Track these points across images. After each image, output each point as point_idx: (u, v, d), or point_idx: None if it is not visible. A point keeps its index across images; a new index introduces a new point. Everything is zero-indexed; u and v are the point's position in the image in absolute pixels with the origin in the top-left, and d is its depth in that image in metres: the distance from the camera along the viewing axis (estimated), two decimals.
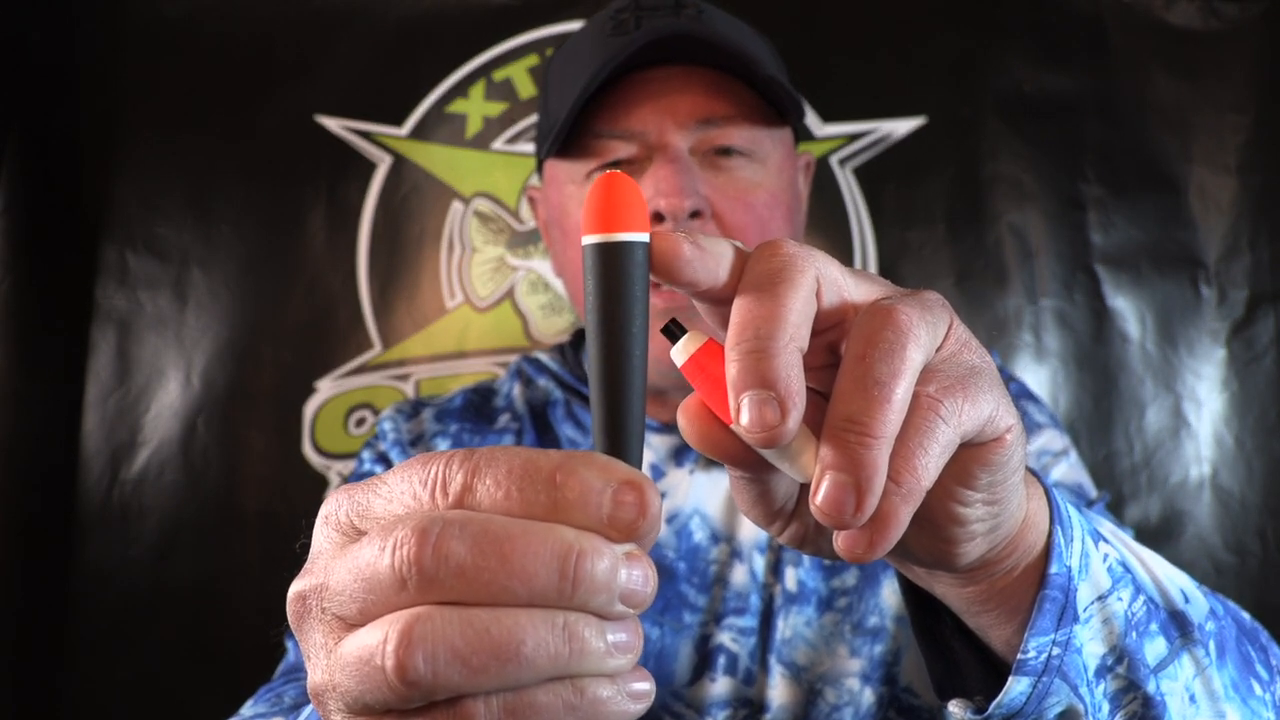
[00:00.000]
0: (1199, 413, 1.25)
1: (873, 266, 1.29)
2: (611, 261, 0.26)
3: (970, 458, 0.30)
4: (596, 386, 0.27)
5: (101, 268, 1.30)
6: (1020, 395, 0.69)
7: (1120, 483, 1.25)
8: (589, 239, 0.27)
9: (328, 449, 1.28)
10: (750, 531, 0.62)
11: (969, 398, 0.28)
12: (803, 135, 1.32)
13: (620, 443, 0.27)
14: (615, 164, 0.61)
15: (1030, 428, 0.67)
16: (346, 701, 0.25)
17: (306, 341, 1.30)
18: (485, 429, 0.70)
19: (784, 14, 1.30)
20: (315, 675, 0.26)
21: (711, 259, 0.28)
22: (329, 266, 1.31)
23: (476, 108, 1.33)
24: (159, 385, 1.29)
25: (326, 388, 1.29)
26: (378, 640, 0.23)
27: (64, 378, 1.29)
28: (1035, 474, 0.38)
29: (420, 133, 1.33)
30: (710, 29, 0.57)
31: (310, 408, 1.28)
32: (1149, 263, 1.27)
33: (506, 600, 0.23)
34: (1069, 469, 0.67)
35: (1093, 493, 0.67)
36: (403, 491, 0.25)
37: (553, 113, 0.62)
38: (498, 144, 1.33)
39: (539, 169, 0.69)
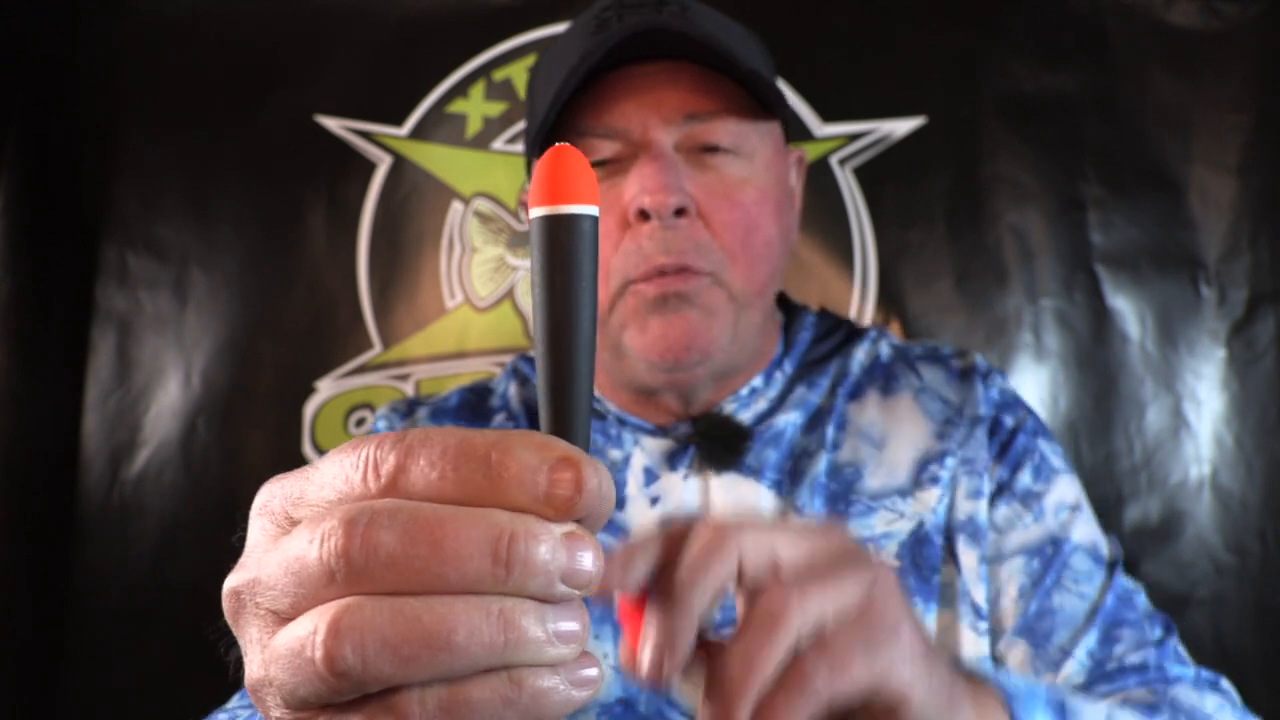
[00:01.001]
0: (1199, 413, 1.25)
1: (873, 266, 1.29)
2: (559, 234, 0.26)
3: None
4: (542, 363, 0.26)
5: (101, 268, 1.30)
6: (1036, 433, 0.67)
7: (1120, 483, 1.25)
8: (536, 211, 0.26)
9: (328, 449, 1.27)
10: None
11: (848, 668, 0.32)
12: (795, 132, 1.33)
13: (565, 420, 0.26)
14: (601, 163, 0.60)
15: (1046, 474, 0.65)
16: (283, 696, 0.24)
17: (306, 341, 1.30)
18: (481, 428, 0.70)
19: (784, 14, 1.30)
20: (252, 670, 0.25)
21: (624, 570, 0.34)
22: (329, 266, 1.31)
23: (476, 108, 1.33)
24: (159, 385, 1.29)
25: (326, 388, 1.29)
26: (307, 632, 0.23)
27: (64, 378, 1.28)
28: (1005, 693, 0.41)
29: (420, 133, 1.33)
30: (690, 24, 0.57)
31: (310, 408, 1.28)
32: (1149, 263, 1.27)
33: (440, 588, 0.22)
34: (1085, 526, 0.65)
35: (1105, 550, 0.65)
36: (335, 476, 0.24)
37: (538, 113, 0.61)
38: (498, 144, 1.33)
39: (529, 172, 0.69)
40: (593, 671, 0.24)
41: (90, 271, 1.30)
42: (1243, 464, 1.24)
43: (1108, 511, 1.24)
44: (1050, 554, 0.62)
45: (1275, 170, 1.24)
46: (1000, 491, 0.63)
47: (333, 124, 1.32)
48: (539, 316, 0.26)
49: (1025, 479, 0.64)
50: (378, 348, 1.30)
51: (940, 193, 1.29)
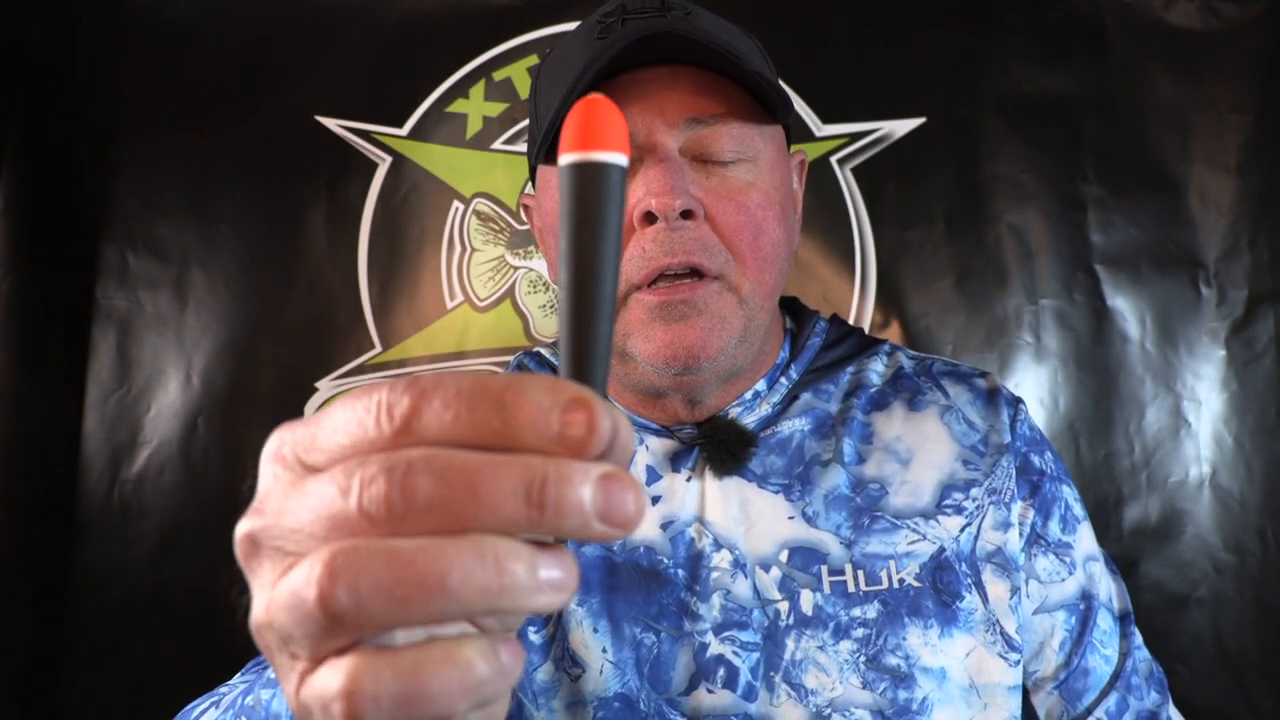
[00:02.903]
0: (1199, 413, 1.25)
1: (873, 266, 1.29)
2: (588, 181, 0.26)
3: None
4: (564, 308, 0.26)
5: (101, 268, 1.30)
6: (1059, 478, 0.67)
7: (1120, 483, 1.25)
8: (566, 158, 0.26)
9: None
10: (756, 544, 0.61)
11: None
12: (796, 132, 1.33)
13: (583, 365, 0.26)
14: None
15: (1072, 523, 0.66)
16: (281, 637, 0.24)
17: (306, 341, 1.30)
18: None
19: (784, 14, 1.30)
20: (256, 612, 0.26)
21: None
22: (329, 266, 1.31)
23: (476, 108, 1.33)
24: (159, 385, 1.29)
25: (326, 388, 1.29)
26: (304, 574, 0.23)
27: (64, 378, 1.29)
28: None
29: (420, 133, 1.33)
30: (693, 28, 0.57)
31: (310, 408, 1.28)
32: (1149, 263, 1.27)
33: (479, 530, 0.23)
34: (1104, 578, 0.67)
35: (1117, 604, 0.67)
36: (347, 420, 0.24)
37: (542, 118, 0.61)
38: (498, 144, 1.33)
39: (532, 176, 0.69)
40: (558, 573, 0.24)
41: (90, 271, 1.30)
42: (1242, 464, 1.24)
43: (1108, 511, 1.24)
44: (1084, 610, 0.64)
45: (1275, 170, 1.25)
46: (1036, 540, 0.64)
47: (333, 124, 1.32)
48: (564, 263, 0.26)
49: (1055, 529, 0.65)
50: (378, 348, 1.30)
51: (940, 193, 1.29)
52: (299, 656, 0.24)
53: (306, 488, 0.24)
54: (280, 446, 0.26)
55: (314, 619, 0.23)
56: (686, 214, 0.57)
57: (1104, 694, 0.63)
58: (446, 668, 0.23)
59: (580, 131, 0.26)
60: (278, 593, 0.24)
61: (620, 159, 0.26)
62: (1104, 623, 0.64)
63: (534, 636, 0.60)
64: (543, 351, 0.74)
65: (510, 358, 1.30)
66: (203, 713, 0.52)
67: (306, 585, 0.23)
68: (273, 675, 0.42)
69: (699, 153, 0.59)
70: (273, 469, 0.26)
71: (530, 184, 0.72)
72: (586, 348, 0.26)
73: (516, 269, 1.32)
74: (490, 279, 1.32)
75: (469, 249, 1.32)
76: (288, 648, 0.25)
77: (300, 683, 0.24)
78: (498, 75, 1.33)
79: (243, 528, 0.26)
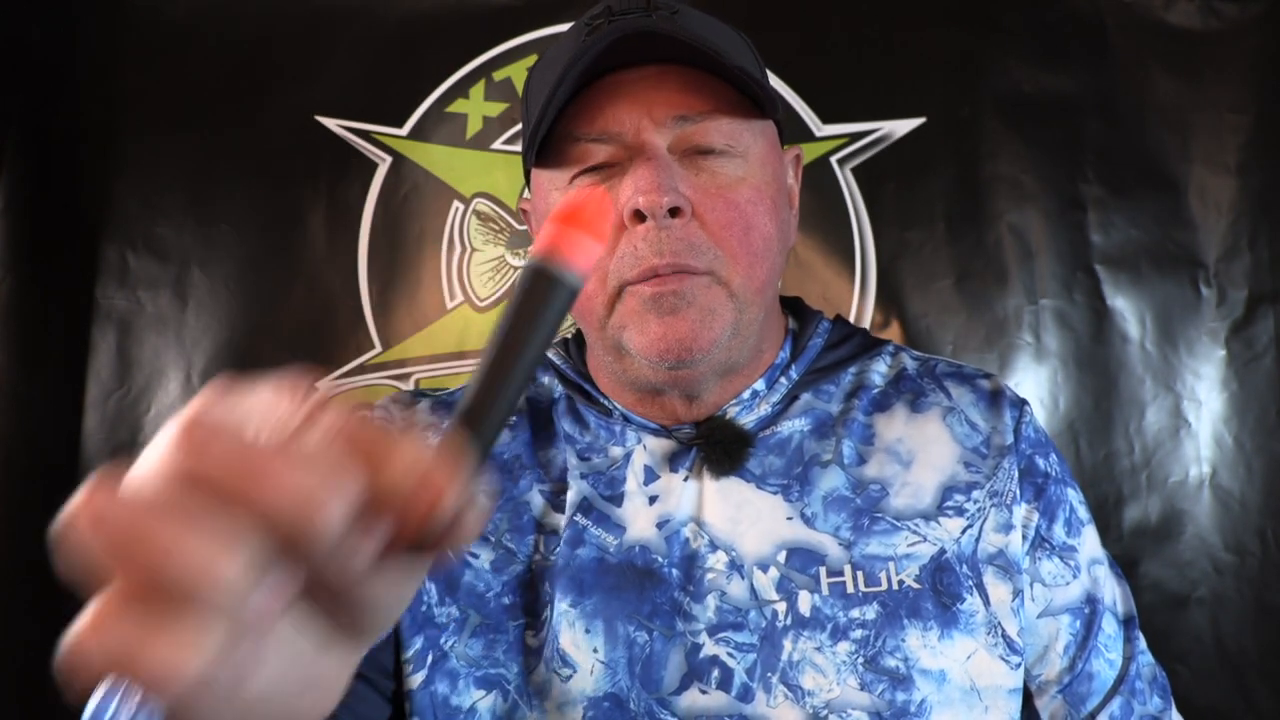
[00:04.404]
0: (1199, 413, 1.25)
1: (872, 266, 1.29)
2: (541, 290, 0.28)
3: None
4: (481, 372, 0.28)
5: (101, 268, 1.30)
6: (1064, 480, 0.67)
7: (1120, 483, 1.25)
8: (533, 261, 0.28)
9: None
10: (753, 546, 0.60)
11: None
12: (795, 132, 1.32)
13: (478, 422, 0.28)
14: (596, 168, 0.60)
15: (1076, 526, 0.66)
16: None
17: (306, 341, 1.30)
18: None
19: (783, 14, 1.30)
20: None
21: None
22: (329, 266, 1.31)
23: (476, 108, 1.33)
24: (159, 385, 1.29)
25: (326, 388, 1.29)
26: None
27: (64, 378, 1.29)
28: None
29: (420, 133, 1.33)
30: (677, 27, 0.57)
31: None
32: (1149, 263, 1.27)
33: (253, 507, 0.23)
34: (1109, 581, 0.66)
35: (1121, 608, 0.67)
36: (164, 448, 0.24)
37: (532, 121, 0.62)
38: (498, 144, 1.33)
39: (527, 179, 0.69)
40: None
41: (90, 271, 1.30)
42: (1242, 464, 1.24)
43: (1108, 512, 1.24)
44: (1089, 614, 0.64)
45: (1275, 170, 1.25)
46: (1040, 544, 0.64)
47: (333, 124, 1.32)
48: (493, 339, 0.28)
49: (1060, 532, 0.65)
50: (378, 348, 1.30)
51: (940, 193, 1.29)
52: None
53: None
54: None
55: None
56: (675, 211, 0.57)
57: (1108, 699, 0.63)
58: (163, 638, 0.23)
59: (556, 238, 0.28)
60: None
61: (577, 283, 0.29)
62: (1109, 627, 0.64)
63: (530, 640, 0.60)
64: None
65: None
66: None
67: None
68: None
69: (687, 150, 0.59)
70: None
71: (527, 189, 0.72)
72: (484, 411, 0.28)
73: (517, 269, 1.32)
74: (490, 279, 1.32)
75: (469, 249, 1.32)
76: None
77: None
78: (498, 75, 1.33)
79: None
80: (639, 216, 0.57)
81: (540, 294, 0.28)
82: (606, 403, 0.67)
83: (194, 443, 0.23)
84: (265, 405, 0.25)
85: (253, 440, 0.23)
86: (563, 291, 0.28)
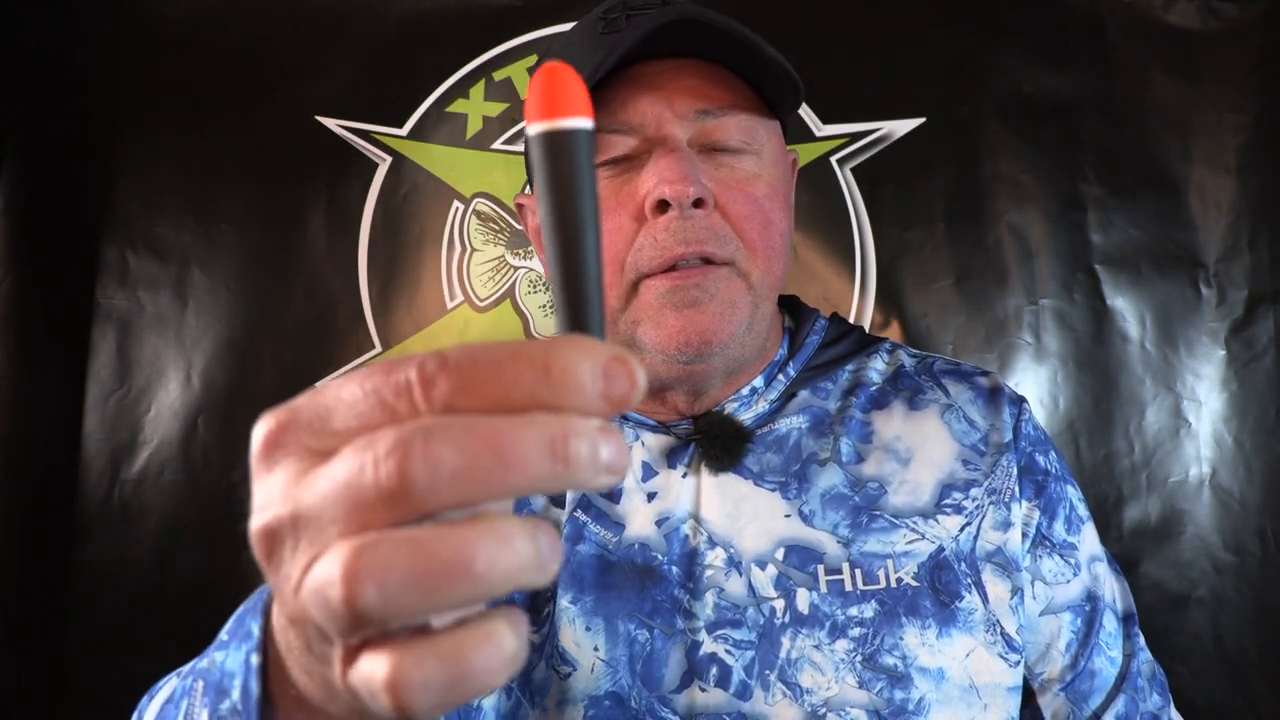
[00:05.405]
0: (1199, 413, 1.25)
1: (872, 266, 1.29)
2: (559, 147, 0.27)
3: None
4: (557, 272, 0.27)
5: (101, 268, 1.30)
6: (1063, 478, 0.67)
7: (1120, 483, 1.25)
8: (535, 128, 0.27)
9: None
10: (751, 543, 0.60)
11: None
12: (795, 132, 1.32)
13: (585, 322, 0.27)
14: (615, 160, 0.60)
15: (1076, 524, 0.66)
16: (315, 630, 0.25)
17: (306, 341, 1.30)
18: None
19: (784, 14, 1.30)
20: (286, 606, 0.25)
21: None
22: (329, 266, 1.31)
23: (476, 108, 1.33)
24: (159, 385, 1.29)
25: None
26: (327, 573, 0.23)
27: (64, 378, 1.29)
28: None
29: (420, 133, 1.33)
30: (714, 16, 0.57)
31: None
32: (1149, 263, 1.27)
33: (505, 495, 0.23)
34: (1109, 578, 0.67)
35: (1121, 605, 0.67)
36: (358, 397, 0.24)
37: None
38: (498, 144, 1.33)
39: (530, 178, 0.69)
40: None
41: (90, 271, 1.30)
42: (1242, 464, 1.24)
43: (1108, 511, 1.24)
44: (1090, 612, 0.64)
45: (1275, 170, 1.25)
46: (1041, 541, 0.64)
47: (333, 124, 1.32)
48: (547, 231, 0.27)
49: (1060, 530, 0.65)
50: (378, 348, 1.30)
51: (940, 193, 1.29)
52: (334, 644, 0.25)
53: (319, 473, 0.24)
54: (281, 434, 0.25)
55: (343, 616, 0.23)
56: (698, 202, 0.57)
57: (1112, 697, 0.63)
58: (486, 646, 0.23)
59: (544, 100, 0.27)
60: (305, 591, 0.24)
61: (586, 123, 0.27)
62: (1109, 624, 0.64)
63: (531, 637, 0.60)
64: None
65: None
66: (165, 684, 0.52)
67: (330, 585, 0.23)
68: (224, 638, 0.42)
69: (707, 143, 0.59)
70: (274, 458, 0.26)
71: (528, 185, 0.72)
72: (584, 305, 0.27)
73: (517, 269, 1.32)
74: (490, 279, 1.32)
75: (469, 249, 1.32)
76: (322, 638, 0.25)
77: (344, 670, 0.25)
78: (498, 75, 1.33)
79: (258, 524, 0.25)
80: (662, 207, 0.57)
81: (562, 150, 0.27)
82: None
83: (399, 456, 0.22)
84: (367, 398, 0.24)
85: (459, 422, 0.23)
86: (582, 136, 0.27)
